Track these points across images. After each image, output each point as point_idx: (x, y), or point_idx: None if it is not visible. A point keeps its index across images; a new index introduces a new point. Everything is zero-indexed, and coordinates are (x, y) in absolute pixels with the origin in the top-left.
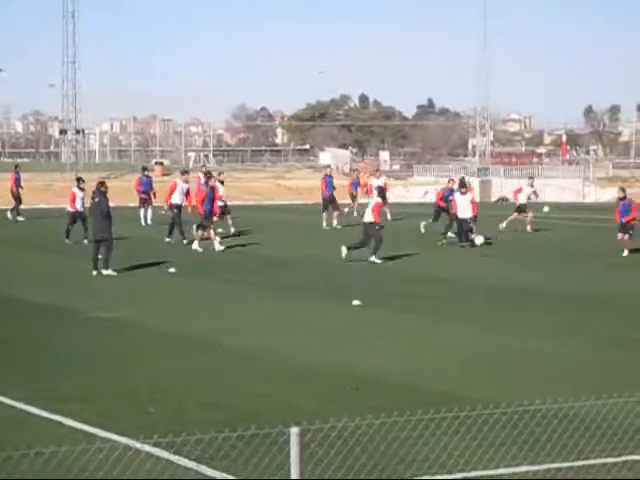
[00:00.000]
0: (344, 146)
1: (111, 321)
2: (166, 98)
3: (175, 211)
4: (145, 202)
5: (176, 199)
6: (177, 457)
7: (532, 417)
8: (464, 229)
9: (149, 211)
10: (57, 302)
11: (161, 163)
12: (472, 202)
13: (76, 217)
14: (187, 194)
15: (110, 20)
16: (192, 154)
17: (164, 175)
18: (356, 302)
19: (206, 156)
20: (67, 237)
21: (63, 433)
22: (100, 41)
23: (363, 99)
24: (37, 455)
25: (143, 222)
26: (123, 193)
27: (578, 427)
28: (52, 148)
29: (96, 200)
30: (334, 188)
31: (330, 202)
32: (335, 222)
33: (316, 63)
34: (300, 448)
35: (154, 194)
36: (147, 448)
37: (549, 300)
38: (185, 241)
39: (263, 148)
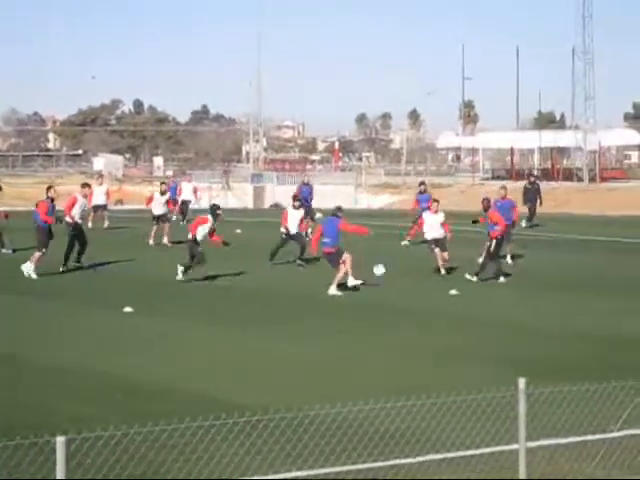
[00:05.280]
0: (117, 151)
1: None
2: None
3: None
4: None
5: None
6: None
7: (311, 422)
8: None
9: None
10: None
11: None
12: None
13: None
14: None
15: None
16: None
17: None
18: (128, 309)
19: None
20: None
21: None
22: None
23: (138, 104)
24: None
25: None
26: None
27: (357, 431)
28: None
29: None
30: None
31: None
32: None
33: (90, 68)
34: (66, 457)
35: None
36: None
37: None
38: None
39: (35, 153)
